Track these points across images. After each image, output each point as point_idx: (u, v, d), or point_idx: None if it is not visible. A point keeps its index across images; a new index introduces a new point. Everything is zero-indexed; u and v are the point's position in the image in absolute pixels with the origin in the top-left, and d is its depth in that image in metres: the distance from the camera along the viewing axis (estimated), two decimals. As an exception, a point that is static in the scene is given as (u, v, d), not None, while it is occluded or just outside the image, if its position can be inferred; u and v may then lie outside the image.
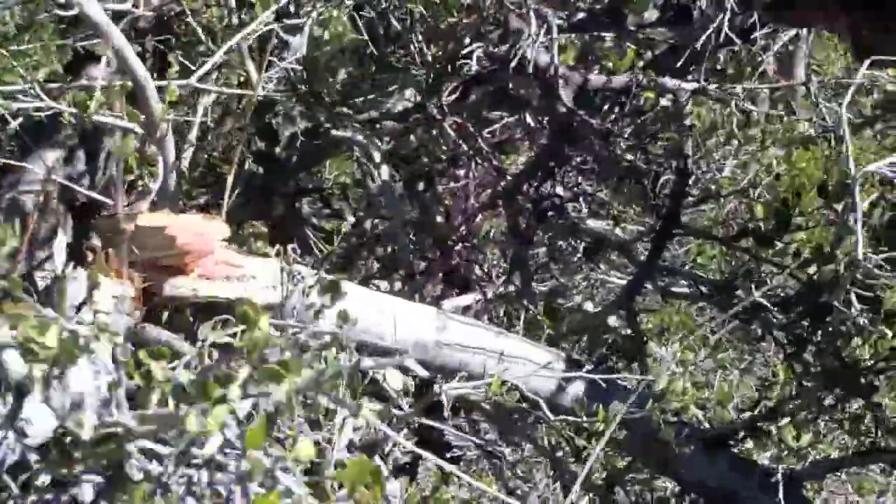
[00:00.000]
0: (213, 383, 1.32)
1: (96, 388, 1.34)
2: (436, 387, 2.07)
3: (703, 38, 2.71)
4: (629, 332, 3.00)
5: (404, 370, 2.12)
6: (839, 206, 2.71)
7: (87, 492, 1.32)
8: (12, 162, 2.16)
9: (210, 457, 1.30)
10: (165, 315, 2.01)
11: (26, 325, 1.31)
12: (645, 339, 2.99)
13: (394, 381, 1.85)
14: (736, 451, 2.73)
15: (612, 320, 3.04)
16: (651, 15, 2.92)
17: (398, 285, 3.01)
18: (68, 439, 1.34)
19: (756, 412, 2.86)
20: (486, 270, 3.16)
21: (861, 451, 2.80)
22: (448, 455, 3.24)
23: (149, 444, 1.33)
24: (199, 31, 2.58)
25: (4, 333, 1.34)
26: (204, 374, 1.34)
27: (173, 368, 1.73)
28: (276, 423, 1.38)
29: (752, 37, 2.90)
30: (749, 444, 2.92)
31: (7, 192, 2.18)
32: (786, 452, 2.91)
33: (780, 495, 2.46)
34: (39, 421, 1.34)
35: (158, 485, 1.31)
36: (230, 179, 2.03)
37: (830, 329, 2.61)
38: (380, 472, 1.37)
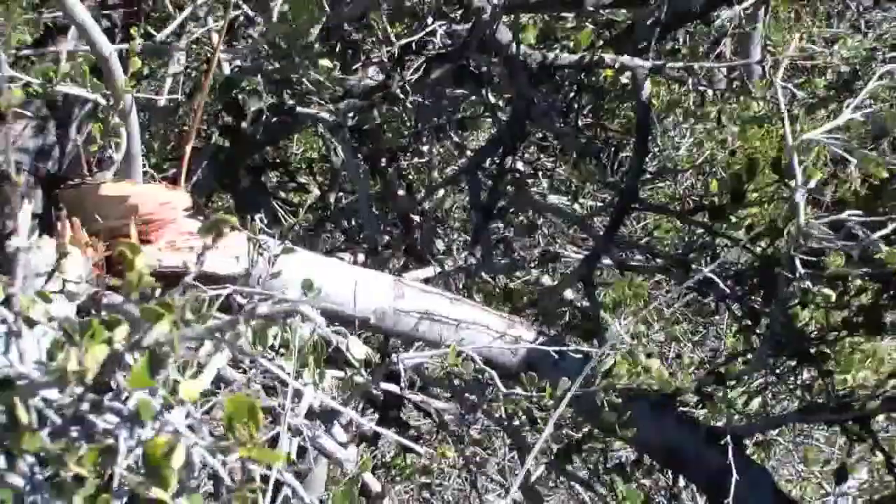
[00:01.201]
0: (98, 325, 1.29)
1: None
2: (393, 356, 2.06)
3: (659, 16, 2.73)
4: (587, 303, 2.99)
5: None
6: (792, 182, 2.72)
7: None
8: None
9: (98, 400, 1.28)
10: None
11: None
12: (600, 312, 2.98)
13: (357, 350, 1.81)
14: (681, 410, 2.74)
15: (569, 293, 3.04)
16: (610, -6, 2.92)
17: (361, 258, 3.00)
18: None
19: (705, 376, 2.87)
20: (447, 244, 3.15)
21: (802, 408, 2.79)
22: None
23: (48, 393, 1.30)
24: (169, 5, 2.56)
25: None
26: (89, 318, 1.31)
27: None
28: (163, 363, 1.33)
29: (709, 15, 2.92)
30: (694, 407, 2.94)
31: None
32: (734, 416, 2.92)
33: (730, 452, 2.47)
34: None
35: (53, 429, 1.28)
36: (188, 149, 2.00)
37: (781, 298, 2.62)
38: (256, 409, 1.29)
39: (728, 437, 2.53)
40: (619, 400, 2.26)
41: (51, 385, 1.27)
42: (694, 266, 2.93)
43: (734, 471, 2.43)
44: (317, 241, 2.97)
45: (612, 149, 3.16)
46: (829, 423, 2.83)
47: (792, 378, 2.80)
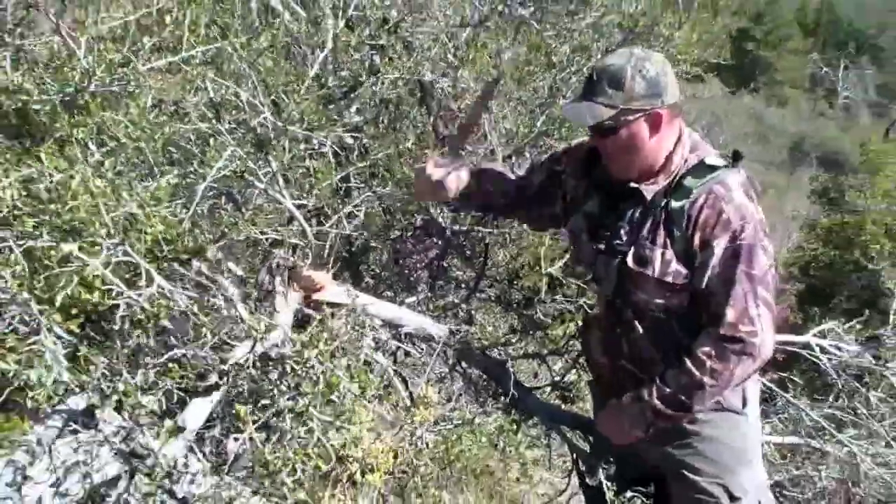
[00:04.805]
0: (312, 339, 1.61)
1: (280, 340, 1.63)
2: (399, 329, 2.30)
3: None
4: (467, 309, 3.22)
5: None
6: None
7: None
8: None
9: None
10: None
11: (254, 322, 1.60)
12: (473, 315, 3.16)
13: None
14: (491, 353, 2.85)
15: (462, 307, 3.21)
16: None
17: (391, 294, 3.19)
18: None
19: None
20: (419, 289, 3.30)
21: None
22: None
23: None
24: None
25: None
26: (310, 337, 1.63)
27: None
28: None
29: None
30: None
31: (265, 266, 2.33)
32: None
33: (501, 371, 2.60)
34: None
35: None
36: (331, 262, 2.28)
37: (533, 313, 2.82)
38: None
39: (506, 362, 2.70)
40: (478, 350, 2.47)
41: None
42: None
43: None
44: (378, 290, 3.09)
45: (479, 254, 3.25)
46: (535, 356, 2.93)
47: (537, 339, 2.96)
